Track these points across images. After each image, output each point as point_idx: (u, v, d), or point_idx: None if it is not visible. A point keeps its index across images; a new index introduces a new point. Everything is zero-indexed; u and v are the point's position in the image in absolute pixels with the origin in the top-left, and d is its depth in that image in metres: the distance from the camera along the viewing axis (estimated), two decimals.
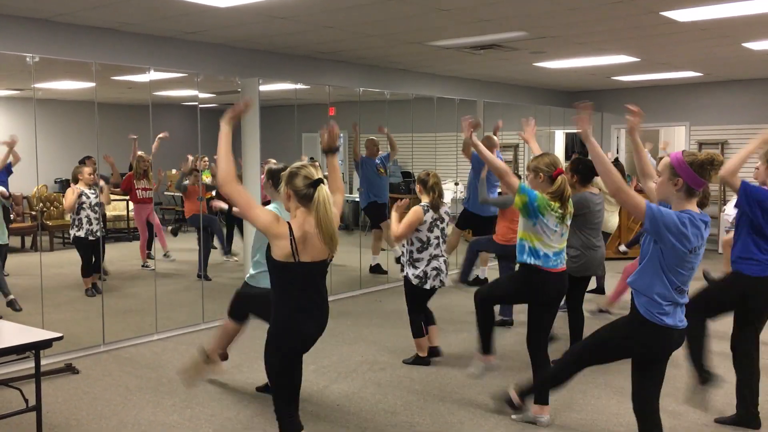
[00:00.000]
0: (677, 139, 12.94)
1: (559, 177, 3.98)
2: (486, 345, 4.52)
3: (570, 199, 4.04)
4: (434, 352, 5.46)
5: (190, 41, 7.30)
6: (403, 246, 5.30)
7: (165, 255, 8.56)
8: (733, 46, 7.99)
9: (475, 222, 7.77)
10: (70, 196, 6.81)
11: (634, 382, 3.26)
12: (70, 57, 6.23)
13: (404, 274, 5.25)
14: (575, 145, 13.48)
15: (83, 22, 6.38)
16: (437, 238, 5.17)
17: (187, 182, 8.07)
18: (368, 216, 9.05)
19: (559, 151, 13.31)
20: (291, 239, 2.94)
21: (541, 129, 11.84)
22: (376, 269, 8.83)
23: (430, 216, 5.11)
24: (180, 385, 4.96)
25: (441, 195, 5.20)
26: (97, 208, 6.88)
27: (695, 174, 2.96)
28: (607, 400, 4.68)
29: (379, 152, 8.83)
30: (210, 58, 7.50)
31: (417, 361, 5.40)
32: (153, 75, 6.34)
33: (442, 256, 5.26)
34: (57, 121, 8.81)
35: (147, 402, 4.66)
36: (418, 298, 5.29)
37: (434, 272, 5.17)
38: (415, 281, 5.16)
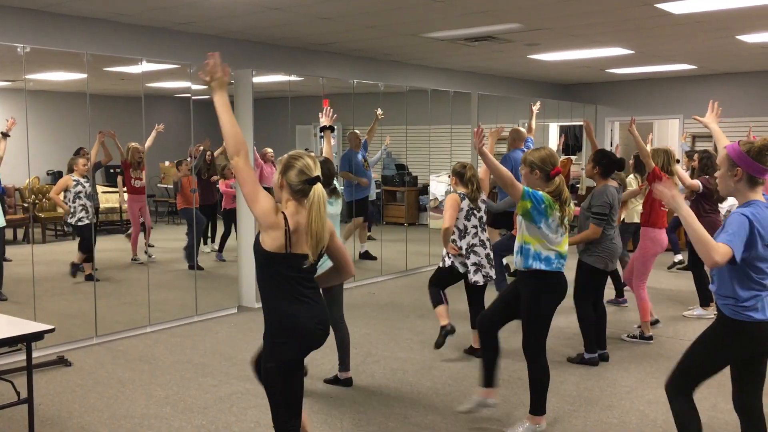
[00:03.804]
0: (671, 132, 12.96)
1: (557, 177, 3.80)
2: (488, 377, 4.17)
3: (571, 203, 3.86)
4: (475, 352, 5.31)
5: (183, 32, 7.26)
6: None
7: (146, 253, 8.51)
8: (727, 39, 8.00)
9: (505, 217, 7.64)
10: (61, 182, 6.84)
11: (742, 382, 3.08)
12: (61, 47, 6.18)
13: (447, 263, 5.15)
14: (569, 138, 13.49)
15: (75, 13, 6.33)
16: (474, 227, 5.11)
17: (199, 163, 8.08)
18: (354, 208, 9.05)
19: (553, 143, 13.32)
20: (286, 230, 2.79)
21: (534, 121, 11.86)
22: (365, 256, 8.94)
23: (466, 204, 5.08)
24: (173, 378, 4.95)
25: (479, 187, 5.15)
26: (89, 196, 6.88)
27: (754, 161, 2.85)
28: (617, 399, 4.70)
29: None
30: (203, 49, 7.44)
31: (443, 332, 5.16)
32: (145, 66, 6.30)
33: (483, 248, 5.15)
34: (49, 113, 8.74)
35: (140, 394, 4.65)
36: (447, 277, 5.19)
37: (474, 267, 5.09)
38: (462, 269, 5.10)
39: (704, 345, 3.07)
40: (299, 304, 2.88)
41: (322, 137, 4.82)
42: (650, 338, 5.79)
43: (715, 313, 3.07)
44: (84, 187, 6.86)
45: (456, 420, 4.24)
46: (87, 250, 7.00)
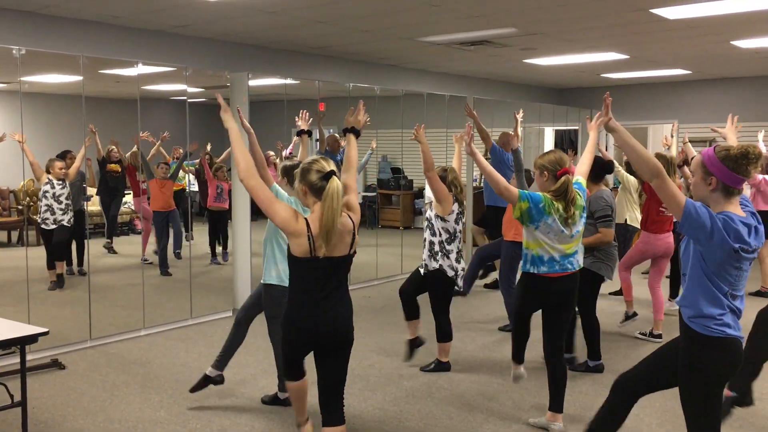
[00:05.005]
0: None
1: (564, 177, 3.79)
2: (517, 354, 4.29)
3: (576, 202, 3.81)
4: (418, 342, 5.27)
5: (179, 35, 7.26)
6: (424, 239, 5.02)
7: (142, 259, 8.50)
8: (721, 44, 8.03)
9: (494, 215, 7.32)
10: (38, 170, 6.78)
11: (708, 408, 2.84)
12: (57, 50, 6.17)
13: (433, 266, 4.94)
14: (564, 142, 13.53)
15: (71, 15, 6.33)
16: (460, 232, 4.99)
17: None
18: None
19: (549, 148, 13.35)
20: (309, 236, 2.92)
21: (530, 126, 11.89)
22: None
23: (456, 207, 4.91)
24: (168, 381, 4.93)
25: (462, 190, 4.98)
26: (62, 199, 6.82)
27: (730, 170, 2.62)
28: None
29: (341, 147, 8.84)
30: (199, 52, 7.46)
31: (439, 366, 5.18)
32: (141, 69, 6.29)
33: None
34: (44, 115, 8.72)
35: (134, 398, 4.63)
36: (450, 293, 5.03)
37: (462, 273, 4.98)
38: (450, 273, 4.90)
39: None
40: (311, 306, 3.05)
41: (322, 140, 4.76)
42: (634, 315, 6.16)
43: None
44: (54, 188, 6.78)
45: (451, 423, 4.24)
46: (49, 258, 6.93)
